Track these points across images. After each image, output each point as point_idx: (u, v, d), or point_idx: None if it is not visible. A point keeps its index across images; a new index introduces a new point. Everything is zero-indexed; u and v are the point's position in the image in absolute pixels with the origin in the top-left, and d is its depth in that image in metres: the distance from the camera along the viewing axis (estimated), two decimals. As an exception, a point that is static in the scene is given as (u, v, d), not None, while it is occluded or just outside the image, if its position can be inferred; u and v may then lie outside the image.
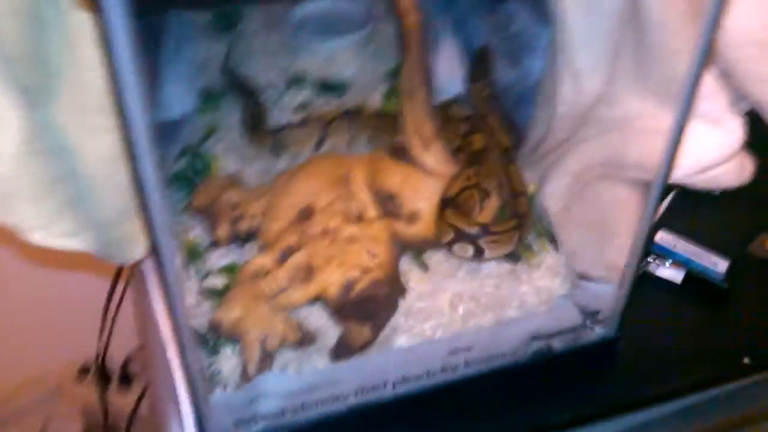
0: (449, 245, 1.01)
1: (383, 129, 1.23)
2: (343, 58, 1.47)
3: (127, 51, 0.54)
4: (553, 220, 1.13)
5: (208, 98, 1.34)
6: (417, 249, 1.06)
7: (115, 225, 0.86)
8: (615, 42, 1.04)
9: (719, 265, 1.15)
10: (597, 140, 1.16)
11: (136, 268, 1.13)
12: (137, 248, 0.91)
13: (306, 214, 1.04)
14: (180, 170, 1.20)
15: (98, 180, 0.81)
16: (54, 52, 0.74)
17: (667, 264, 1.16)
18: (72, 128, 0.78)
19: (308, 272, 0.98)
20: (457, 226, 0.99)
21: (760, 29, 1.12)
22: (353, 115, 1.27)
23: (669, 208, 1.24)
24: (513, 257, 1.05)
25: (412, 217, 1.04)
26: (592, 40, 1.03)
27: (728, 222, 1.25)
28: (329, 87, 1.41)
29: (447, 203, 1.02)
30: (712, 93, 1.12)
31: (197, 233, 1.10)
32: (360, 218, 1.03)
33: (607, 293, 1.00)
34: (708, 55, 0.79)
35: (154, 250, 0.70)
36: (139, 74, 0.56)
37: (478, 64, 1.23)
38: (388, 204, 1.04)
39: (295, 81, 1.42)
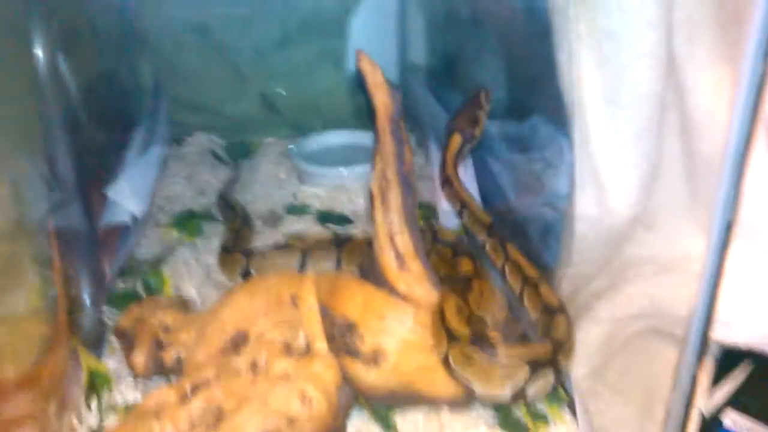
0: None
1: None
2: (350, 190, 1.31)
3: None
4: (579, 381, 0.84)
5: (186, 218, 1.20)
6: (379, 402, 0.79)
7: None
8: (649, 150, 0.80)
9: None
10: (640, 282, 0.89)
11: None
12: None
13: (237, 343, 0.80)
14: (127, 288, 1.02)
15: None
16: None
17: (741, 457, 0.83)
18: None
19: (217, 415, 0.72)
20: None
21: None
22: (342, 242, 1.06)
23: (746, 384, 0.92)
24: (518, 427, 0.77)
25: (375, 357, 0.78)
26: (618, 147, 0.80)
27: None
28: (331, 217, 1.23)
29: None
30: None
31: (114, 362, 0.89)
32: (304, 351, 0.78)
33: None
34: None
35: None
36: None
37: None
38: (345, 335, 0.79)
39: (297, 209, 1.26)
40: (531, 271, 0.90)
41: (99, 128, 1.15)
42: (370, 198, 0.83)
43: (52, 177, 0.96)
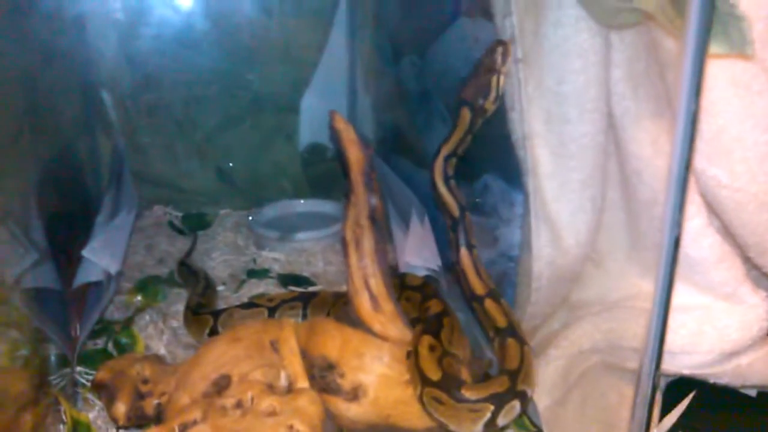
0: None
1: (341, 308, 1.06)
2: (308, 253, 1.37)
3: None
4: (544, 411, 0.90)
5: (150, 284, 1.23)
6: (360, 436, 0.82)
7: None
8: (595, 195, 0.90)
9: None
10: (591, 319, 0.96)
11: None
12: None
13: (221, 385, 0.83)
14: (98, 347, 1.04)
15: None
16: None
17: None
18: None
19: (208, 452, 0.74)
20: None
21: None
22: (307, 298, 1.11)
23: (690, 410, 0.99)
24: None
25: (355, 393, 0.82)
26: (567, 193, 0.89)
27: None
28: (292, 279, 1.28)
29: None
30: (723, 260, 0.94)
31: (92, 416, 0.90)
32: (286, 391, 0.82)
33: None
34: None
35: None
36: None
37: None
38: (326, 374, 0.83)
39: (257, 273, 1.31)
40: (477, 286, 0.92)
41: (66, 195, 1.18)
42: (344, 244, 0.89)
43: (26, 240, 0.99)
